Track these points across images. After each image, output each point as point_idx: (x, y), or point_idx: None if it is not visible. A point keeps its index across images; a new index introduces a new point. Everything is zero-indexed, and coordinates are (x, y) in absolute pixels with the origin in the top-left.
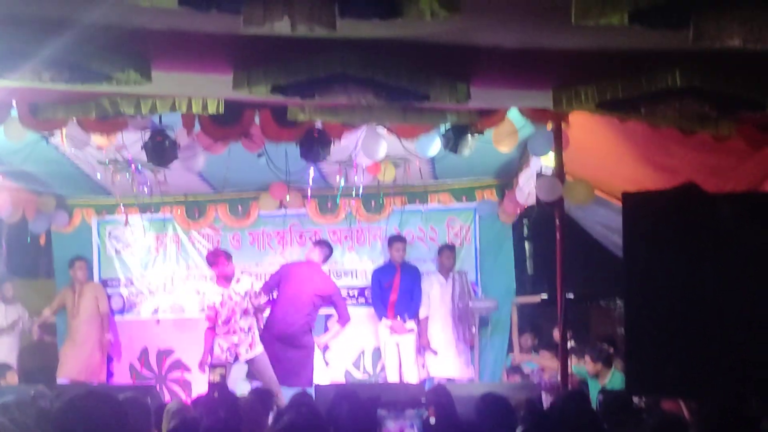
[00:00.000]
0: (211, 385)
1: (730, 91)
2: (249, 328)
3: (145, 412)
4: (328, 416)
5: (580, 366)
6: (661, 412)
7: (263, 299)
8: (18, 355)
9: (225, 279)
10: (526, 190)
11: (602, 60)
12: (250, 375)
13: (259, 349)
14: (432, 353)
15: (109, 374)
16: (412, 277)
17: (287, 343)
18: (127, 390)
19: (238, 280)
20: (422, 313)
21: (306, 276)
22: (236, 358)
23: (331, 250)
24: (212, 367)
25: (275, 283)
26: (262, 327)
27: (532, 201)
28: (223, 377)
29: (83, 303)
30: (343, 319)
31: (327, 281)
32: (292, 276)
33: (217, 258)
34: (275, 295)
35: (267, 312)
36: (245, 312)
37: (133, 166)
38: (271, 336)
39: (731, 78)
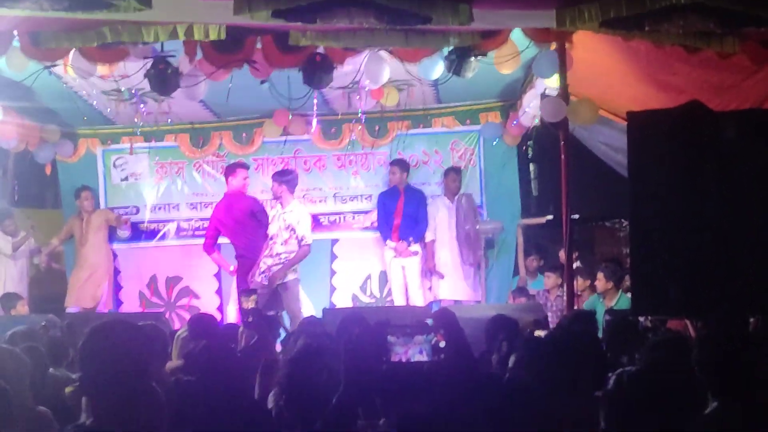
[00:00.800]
0: (245, 311)
1: (734, 7)
2: (283, 256)
3: (162, 340)
4: (338, 340)
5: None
6: (666, 330)
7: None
8: (28, 284)
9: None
10: (531, 111)
11: None
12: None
13: (291, 276)
14: (438, 276)
15: (118, 302)
16: (416, 201)
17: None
18: (138, 317)
19: (292, 211)
20: (428, 237)
21: (230, 204)
22: (271, 283)
23: (235, 169)
24: (245, 292)
25: (214, 228)
26: (231, 267)
27: (536, 122)
28: (257, 303)
29: (91, 232)
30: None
31: (251, 199)
32: (220, 211)
33: (234, 170)
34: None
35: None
36: (285, 242)
37: (136, 94)
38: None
39: None
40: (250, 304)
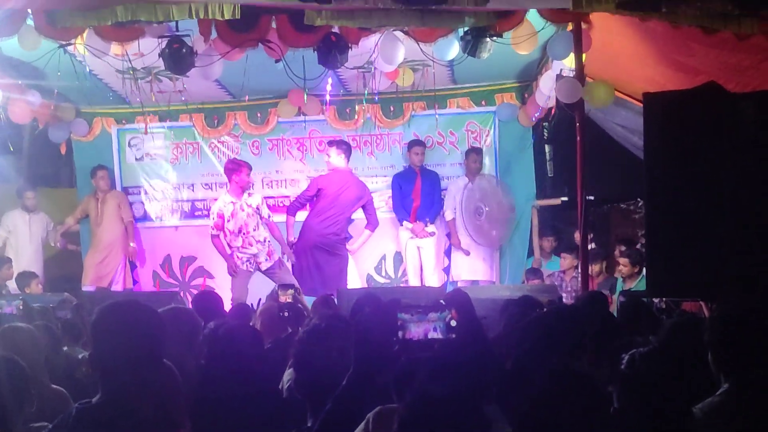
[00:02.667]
0: (282, 306)
1: None
2: (265, 239)
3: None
4: (350, 319)
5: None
6: (681, 312)
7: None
8: (44, 263)
9: (240, 189)
10: (546, 92)
11: None
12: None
13: (276, 256)
14: (464, 253)
15: (133, 281)
16: (431, 182)
17: (325, 251)
18: (152, 297)
19: (250, 194)
20: (449, 215)
21: (342, 184)
22: (257, 268)
23: (349, 146)
24: (283, 287)
25: (312, 195)
26: (293, 238)
27: (552, 103)
28: (295, 298)
29: (106, 211)
30: (373, 224)
31: (362, 186)
32: (331, 185)
33: (240, 167)
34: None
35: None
36: (258, 225)
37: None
38: (307, 245)
39: None
40: (287, 297)
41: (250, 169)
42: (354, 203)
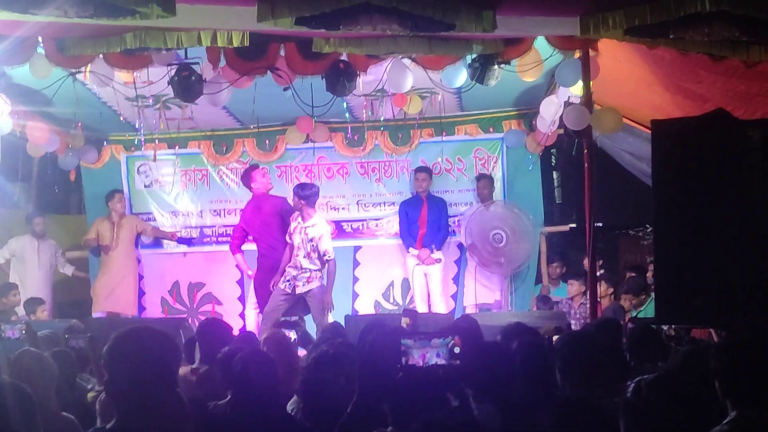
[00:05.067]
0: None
1: (760, 15)
2: (308, 269)
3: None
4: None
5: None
6: (690, 339)
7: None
8: (52, 290)
9: (261, 193)
10: (548, 118)
11: None
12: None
13: (315, 284)
14: (478, 278)
15: (141, 308)
16: (438, 209)
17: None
18: (161, 323)
19: (313, 225)
20: (467, 240)
21: (257, 205)
22: (293, 290)
23: (264, 169)
24: (285, 324)
25: (241, 227)
26: (250, 272)
27: (554, 129)
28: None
29: (122, 236)
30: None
31: (277, 201)
32: (248, 211)
33: (248, 173)
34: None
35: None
36: (308, 255)
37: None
38: (266, 273)
39: (761, 1)
40: (290, 334)
41: (257, 167)
42: (274, 220)
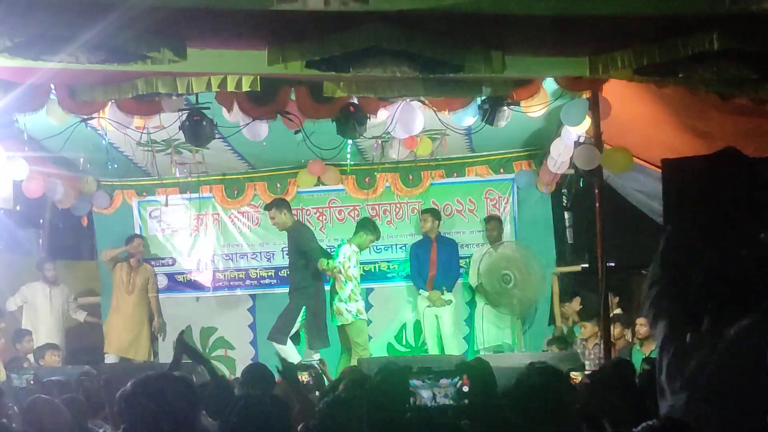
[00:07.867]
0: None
1: None
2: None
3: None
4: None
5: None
6: None
7: None
8: (64, 335)
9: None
10: (557, 158)
11: (638, 25)
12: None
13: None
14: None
15: (153, 353)
16: (448, 250)
17: None
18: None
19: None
20: (474, 281)
21: None
22: None
23: None
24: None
25: None
26: None
27: (563, 169)
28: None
29: (138, 282)
30: None
31: None
32: None
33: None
34: None
35: None
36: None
37: (172, 146)
38: None
39: None
40: (304, 377)
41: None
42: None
